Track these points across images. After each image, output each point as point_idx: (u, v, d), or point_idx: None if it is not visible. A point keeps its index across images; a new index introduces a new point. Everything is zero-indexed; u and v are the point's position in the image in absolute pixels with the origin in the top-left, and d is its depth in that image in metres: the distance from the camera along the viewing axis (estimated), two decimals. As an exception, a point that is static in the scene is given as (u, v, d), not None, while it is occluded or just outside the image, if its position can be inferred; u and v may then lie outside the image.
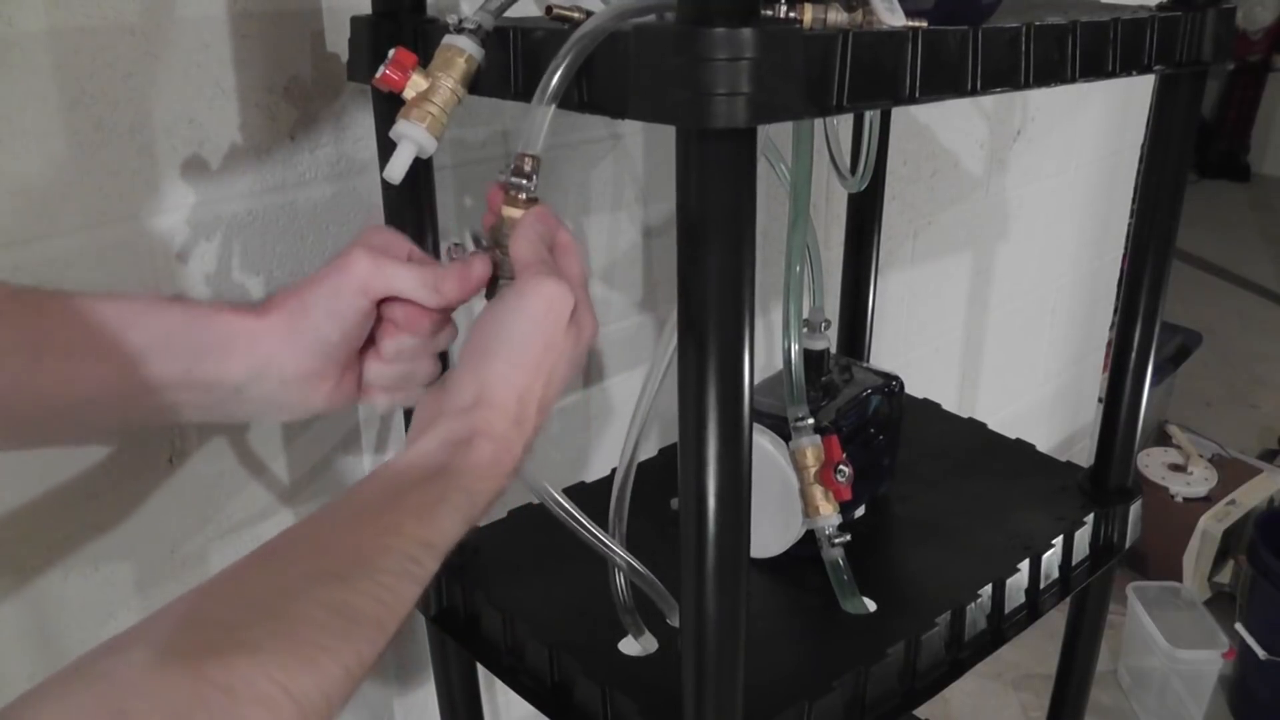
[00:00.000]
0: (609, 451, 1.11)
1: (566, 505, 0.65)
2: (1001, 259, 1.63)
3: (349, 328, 0.56)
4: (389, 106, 0.61)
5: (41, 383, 0.49)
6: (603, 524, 0.68)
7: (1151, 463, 2.08)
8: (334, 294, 0.55)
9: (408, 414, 0.78)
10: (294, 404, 0.57)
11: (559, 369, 0.53)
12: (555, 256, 0.55)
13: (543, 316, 0.52)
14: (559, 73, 0.52)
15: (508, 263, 0.56)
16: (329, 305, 0.55)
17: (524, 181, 0.55)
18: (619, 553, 0.68)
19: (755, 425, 0.71)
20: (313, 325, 0.55)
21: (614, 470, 0.96)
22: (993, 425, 1.05)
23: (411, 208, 0.70)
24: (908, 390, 0.92)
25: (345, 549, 0.44)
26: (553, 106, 0.53)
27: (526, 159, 0.55)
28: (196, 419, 0.56)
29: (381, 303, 0.57)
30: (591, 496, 0.92)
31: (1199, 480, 2.02)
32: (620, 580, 0.71)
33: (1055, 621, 0.92)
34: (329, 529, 0.45)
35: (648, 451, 0.84)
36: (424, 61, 0.58)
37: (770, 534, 0.79)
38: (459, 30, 0.58)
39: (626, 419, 1.14)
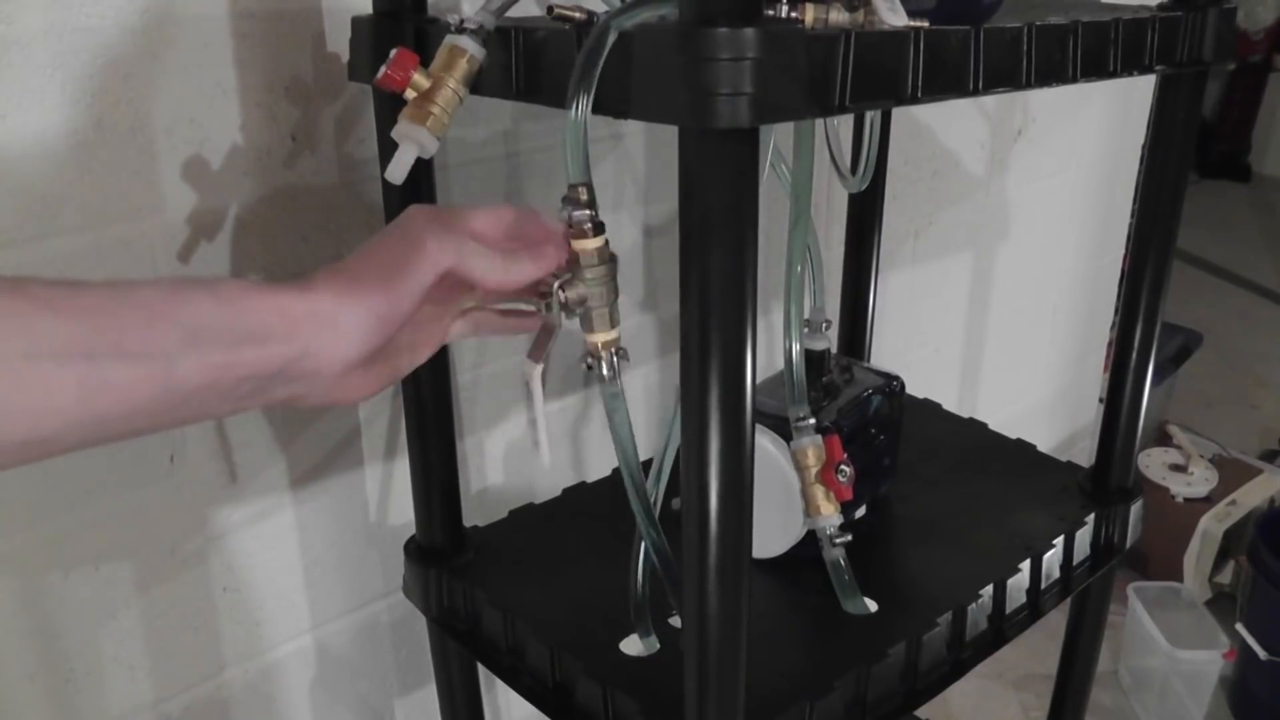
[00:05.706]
0: (609, 451, 1.11)
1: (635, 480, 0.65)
2: (1002, 259, 1.63)
3: (408, 307, 0.51)
4: (390, 107, 0.61)
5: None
6: (608, 522, 0.67)
7: (1152, 463, 2.08)
8: (392, 269, 0.50)
9: (410, 414, 0.78)
10: (325, 391, 0.51)
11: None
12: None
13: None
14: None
15: (577, 294, 0.56)
16: (387, 283, 0.50)
17: (584, 213, 0.55)
18: (658, 538, 0.67)
19: (756, 425, 0.71)
20: (366, 302, 0.49)
21: (615, 470, 0.97)
22: (993, 425, 1.05)
23: (412, 208, 0.70)
24: (908, 390, 0.92)
25: None
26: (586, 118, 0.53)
27: (580, 189, 0.55)
28: (220, 415, 0.52)
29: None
30: (592, 496, 0.92)
31: (1199, 480, 2.02)
32: (641, 573, 0.70)
33: (1056, 622, 0.92)
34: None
35: (648, 452, 0.84)
36: (425, 62, 0.58)
37: (771, 534, 0.79)
38: (460, 30, 0.58)
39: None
